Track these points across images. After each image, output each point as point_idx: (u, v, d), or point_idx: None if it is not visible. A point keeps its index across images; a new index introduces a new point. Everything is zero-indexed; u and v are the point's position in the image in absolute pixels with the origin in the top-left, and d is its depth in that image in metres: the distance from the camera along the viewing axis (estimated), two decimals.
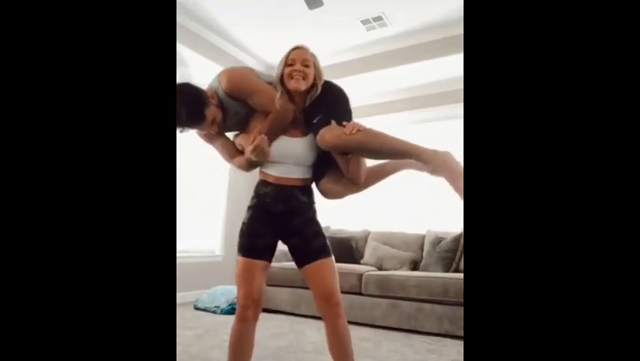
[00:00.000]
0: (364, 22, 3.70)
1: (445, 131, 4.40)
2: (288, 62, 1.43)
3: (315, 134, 1.41)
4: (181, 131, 1.44)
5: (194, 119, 1.42)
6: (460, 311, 2.84)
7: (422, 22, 3.70)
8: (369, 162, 1.55)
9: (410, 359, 2.29)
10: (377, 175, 1.58)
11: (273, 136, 1.44)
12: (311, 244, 1.44)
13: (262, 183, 1.50)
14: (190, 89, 1.43)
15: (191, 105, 1.39)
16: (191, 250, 4.22)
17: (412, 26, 3.78)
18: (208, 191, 4.47)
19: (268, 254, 1.45)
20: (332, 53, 4.17)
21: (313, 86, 1.44)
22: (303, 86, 1.40)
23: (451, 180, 1.20)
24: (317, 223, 1.50)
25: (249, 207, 1.49)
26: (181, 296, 3.91)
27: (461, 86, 3.96)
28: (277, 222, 1.45)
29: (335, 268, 1.47)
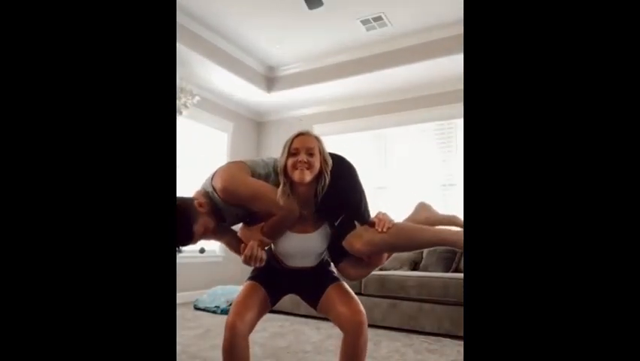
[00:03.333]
0: (364, 22, 3.70)
1: (445, 132, 4.40)
2: (291, 151, 1.33)
3: (337, 235, 1.38)
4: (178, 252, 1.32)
5: (182, 240, 1.30)
6: (460, 311, 2.84)
7: (422, 22, 3.70)
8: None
9: (410, 359, 2.29)
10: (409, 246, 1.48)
11: (277, 236, 1.38)
12: (318, 284, 1.45)
13: (275, 260, 1.47)
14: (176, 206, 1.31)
15: (177, 226, 1.24)
16: (191, 250, 4.22)
17: (412, 26, 3.78)
18: None
19: (274, 292, 1.44)
20: (332, 53, 4.17)
21: (320, 174, 1.34)
22: (308, 177, 1.31)
23: None
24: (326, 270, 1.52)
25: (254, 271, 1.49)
26: (181, 296, 3.92)
27: (461, 86, 3.95)
28: (288, 283, 1.49)
29: (347, 289, 1.45)
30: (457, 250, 1.34)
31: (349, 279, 1.51)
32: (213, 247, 4.59)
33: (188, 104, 3.98)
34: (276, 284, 1.45)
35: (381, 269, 3.66)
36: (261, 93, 4.69)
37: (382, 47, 4.07)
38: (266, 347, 2.43)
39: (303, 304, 3.79)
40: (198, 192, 1.40)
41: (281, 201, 1.30)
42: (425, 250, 3.76)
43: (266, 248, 1.39)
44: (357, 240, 1.31)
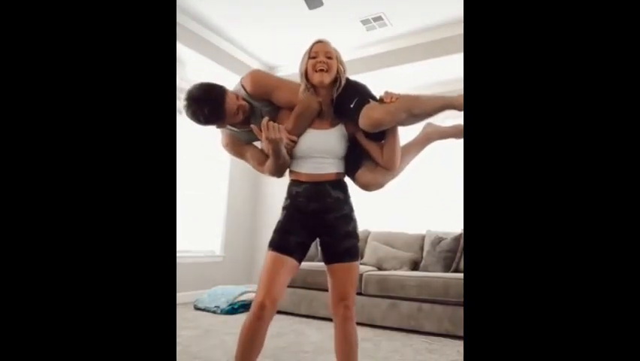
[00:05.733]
0: (364, 22, 3.70)
1: None
2: (311, 54, 1.45)
3: (352, 119, 1.42)
4: (202, 124, 1.46)
5: (214, 117, 1.42)
6: (460, 311, 2.84)
7: (422, 22, 3.70)
8: None
9: (410, 359, 2.29)
10: (407, 155, 1.57)
11: (299, 130, 1.44)
12: (340, 245, 1.43)
13: (294, 183, 1.48)
14: (206, 88, 1.44)
15: (210, 90, 1.41)
16: (191, 250, 4.22)
17: (412, 26, 3.77)
18: (208, 191, 4.47)
19: (299, 253, 1.42)
20: None
21: (337, 79, 1.45)
22: (327, 79, 1.42)
23: None
24: (351, 221, 1.47)
25: (283, 208, 1.48)
26: (181, 296, 3.91)
27: (461, 86, 3.95)
28: (311, 220, 1.43)
29: (357, 272, 1.46)
30: (450, 137, 1.48)
31: (367, 188, 1.53)
32: (213, 247, 4.59)
33: None
34: (299, 236, 1.42)
35: (381, 269, 3.66)
36: None
37: (382, 47, 4.07)
38: (266, 347, 2.42)
39: (304, 304, 3.78)
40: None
41: (302, 96, 1.43)
42: (425, 250, 3.76)
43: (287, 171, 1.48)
44: (374, 111, 1.37)
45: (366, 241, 4.15)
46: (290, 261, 1.39)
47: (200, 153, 4.41)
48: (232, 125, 1.52)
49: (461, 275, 3.04)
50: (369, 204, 4.55)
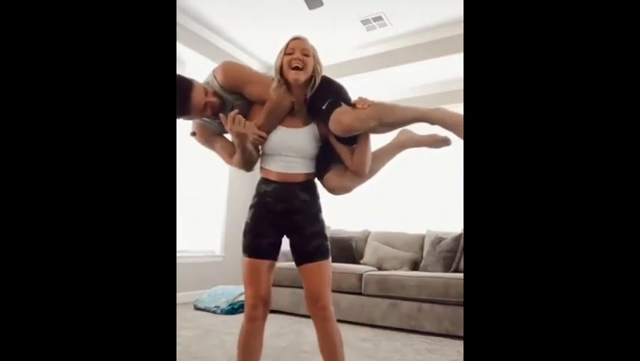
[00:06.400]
0: (364, 22, 3.70)
1: (444, 131, 4.40)
2: (287, 51, 1.41)
3: (323, 120, 1.39)
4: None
5: (179, 107, 1.37)
6: (460, 311, 2.84)
7: (422, 22, 3.70)
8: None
9: (410, 359, 2.29)
10: (379, 160, 1.55)
11: (269, 126, 1.42)
12: (309, 245, 1.42)
13: (263, 182, 1.47)
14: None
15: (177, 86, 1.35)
16: (191, 250, 4.22)
17: (412, 26, 3.78)
18: (208, 191, 4.47)
19: (273, 253, 1.43)
20: (332, 53, 4.17)
21: (312, 77, 1.42)
22: (302, 77, 1.38)
23: (456, 128, 1.30)
24: (319, 222, 1.46)
25: (251, 206, 1.48)
26: (181, 296, 3.91)
27: (461, 86, 3.95)
28: (279, 220, 1.43)
29: (329, 271, 1.44)
30: (445, 129, 1.39)
31: (334, 192, 1.51)
32: (213, 247, 4.59)
33: None
34: (270, 236, 1.43)
35: (381, 269, 3.67)
36: None
37: (382, 47, 4.07)
38: (265, 347, 2.42)
39: (303, 304, 3.79)
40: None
41: (274, 93, 1.39)
42: (425, 250, 3.76)
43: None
44: (344, 116, 1.35)
45: (366, 241, 4.15)
46: (266, 263, 1.41)
47: (200, 153, 4.40)
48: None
49: (461, 275, 3.04)
50: (369, 204, 4.56)
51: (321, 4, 3.28)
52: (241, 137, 1.32)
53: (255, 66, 4.47)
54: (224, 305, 3.57)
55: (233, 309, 3.54)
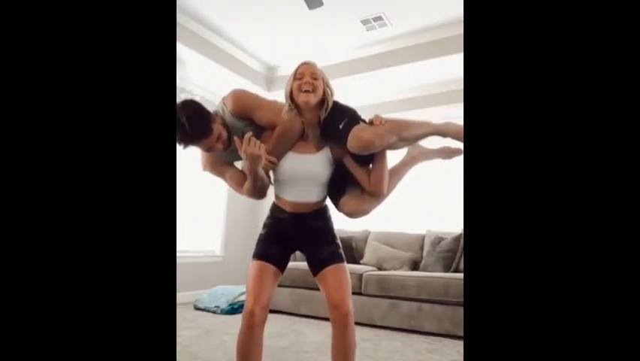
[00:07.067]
0: (364, 22, 3.70)
1: (455, 143, 4.39)
2: (296, 76, 1.42)
3: (341, 140, 1.39)
4: (184, 148, 1.37)
5: (200, 132, 1.35)
6: (460, 311, 2.84)
7: (422, 22, 3.70)
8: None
9: (410, 359, 2.29)
10: (394, 178, 1.56)
11: (279, 151, 1.41)
12: (322, 252, 1.45)
13: (277, 209, 1.50)
14: (194, 103, 1.39)
15: (196, 118, 1.34)
16: (191, 250, 4.22)
17: (412, 26, 3.77)
18: (208, 191, 4.47)
19: (281, 262, 1.46)
20: (332, 53, 4.17)
21: (324, 100, 1.42)
22: (313, 99, 1.39)
23: None
24: (332, 237, 1.51)
25: (265, 225, 1.51)
26: (181, 296, 3.91)
27: (461, 86, 3.95)
28: (292, 241, 1.49)
29: (346, 274, 1.45)
30: (458, 141, 1.43)
31: (352, 217, 1.51)
32: (213, 247, 4.59)
33: None
34: (281, 250, 1.47)
35: (381, 269, 3.66)
36: (261, 93, 4.68)
37: (382, 47, 4.06)
38: (266, 347, 2.42)
39: (304, 304, 3.79)
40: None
41: (285, 116, 1.39)
42: (425, 250, 3.76)
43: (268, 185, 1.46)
44: (364, 132, 1.36)
45: (366, 241, 4.15)
46: (273, 268, 1.42)
47: (200, 153, 4.40)
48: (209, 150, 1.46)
49: (461, 275, 3.04)
50: None
51: (321, 4, 3.27)
52: (255, 159, 1.31)
53: (255, 66, 4.47)
54: (224, 305, 3.57)
55: (233, 309, 3.54)
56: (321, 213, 1.52)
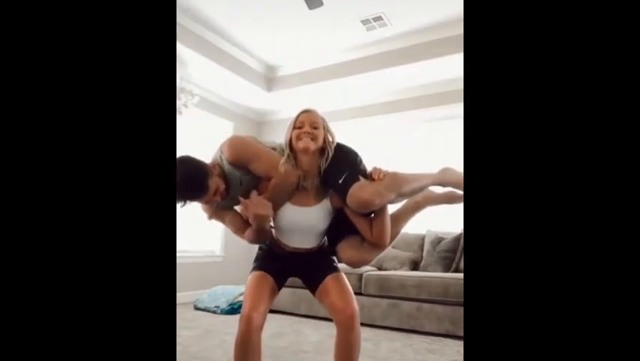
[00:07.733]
0: (364, 22, 3.70)
1: (445, 132, 4.40)
2: (296, 124, 1.39)
3: (341, 196, 1.38)
4: (182, 206, 1.37)
5: (195, 194, 1.35)
6: (460, 311, 2.84)
7: (422, 22, 3.70)
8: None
9: (410, 359, 2.29)
10: (397, 225, 1.55)
11: (275, 202, 1.38)
12: (318, 270, 1.48)
13: (276, 245, 1.51)
14: (190, 161, 1.38)
15: (190, 181, 1.32)
16: (191, 250, 4.22)
17: (412, 26, 3.77)
18: None
19: (279, 279, 1.48)
20: (332, 53, 4.17)
21: (324, 149, 1.40)
22: (312, 146, 1.35)
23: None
24: (327, 256, 1.54)
25: (262, 248, 1.54)
26: (181, 296, 3.91)
27: (461, 86, 3.95)
28: (289, 266, 1.52)
29: (345, 281, 1.46)
30: (458, 190, 1.43)
31: (352, 264, 1.48)
32: (213, 247, 4.59)
33: (188, 104, 3.97)
34: (279, 269, 1.49)
35: (381, 269, 3.66)
36: (261, 93, 4.69)
37: (382, 47, 4.06)
38: (266, 347, 2.42)
39: (304, 304, 3.78)
40: (210, 162, 1.47)
41: (282, 168, 1.36)
42: (425, 250, 3.76)
43: (269, 229, 1.45)
44: (363, 192, 1.33)
45: None
46: (271, 281, 1.44)
47: (200, 153, 4.40)
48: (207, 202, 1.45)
49: (461, 275, 3.04)
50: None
51: (321, 4, 3.28)
52: (262, 219, 1.32)
53: (255, 66, 4.47)
54: (224, 305, 3.58)
55: (233, 309, 3.54)
56: (320, 250, 1.54)
